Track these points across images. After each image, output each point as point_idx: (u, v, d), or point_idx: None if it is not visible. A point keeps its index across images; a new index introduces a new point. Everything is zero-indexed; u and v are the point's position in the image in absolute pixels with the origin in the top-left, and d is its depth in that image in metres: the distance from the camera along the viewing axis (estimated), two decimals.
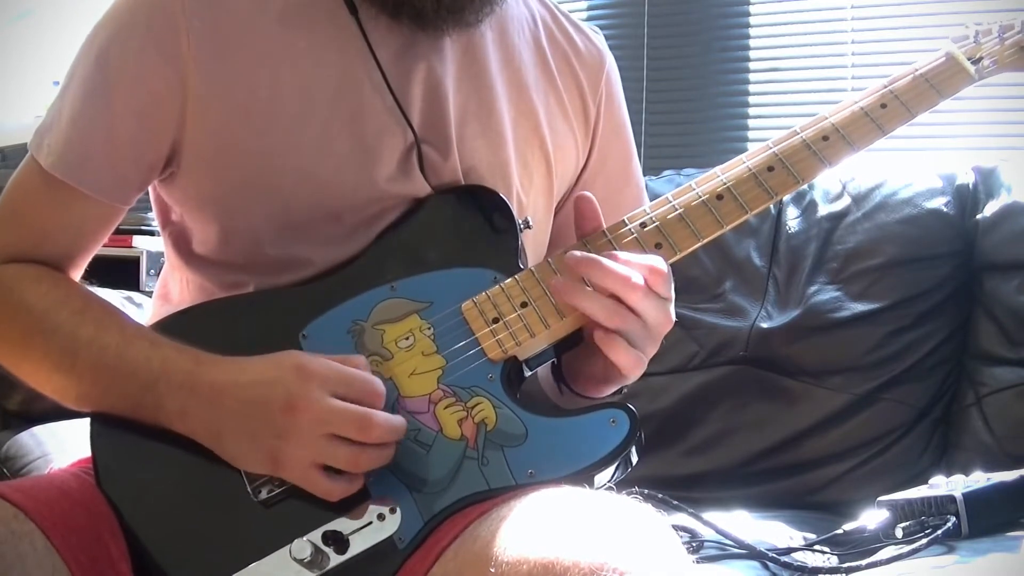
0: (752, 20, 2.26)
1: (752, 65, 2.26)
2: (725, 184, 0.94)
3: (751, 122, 2.25)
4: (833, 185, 1.78)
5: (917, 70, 1.00)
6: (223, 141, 0.92)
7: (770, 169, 0.95)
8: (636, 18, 2.35)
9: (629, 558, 0.67)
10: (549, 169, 1.05)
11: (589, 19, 2.43)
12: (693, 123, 2.31)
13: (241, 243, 0.95)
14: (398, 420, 0.82)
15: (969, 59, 1.00)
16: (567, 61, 1.08)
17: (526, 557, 0.68)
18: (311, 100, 0.93)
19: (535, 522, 0.73)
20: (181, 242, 1.00)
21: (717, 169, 0.96)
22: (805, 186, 1.78)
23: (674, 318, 0.89)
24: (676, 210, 0.93)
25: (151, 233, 2.10)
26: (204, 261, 0.98)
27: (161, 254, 1.85)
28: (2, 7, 2.59)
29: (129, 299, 1.84)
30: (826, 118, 0.97)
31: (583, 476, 0.82)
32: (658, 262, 0.87)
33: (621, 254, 0.87)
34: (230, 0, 0.93)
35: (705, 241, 0.93)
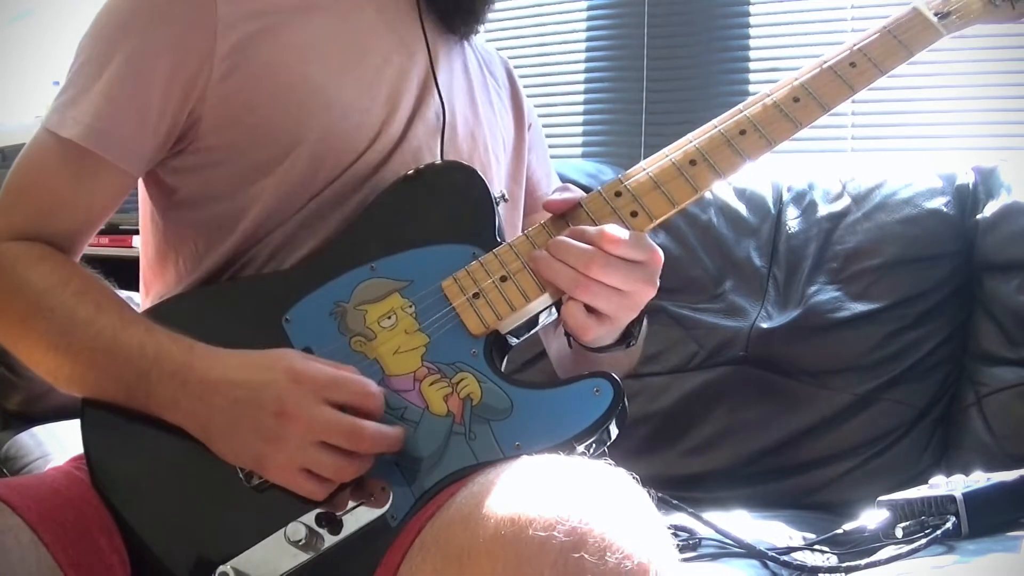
0: (752, 20, 2.26)
1: (752, 65, 2.26)
2: (698, 149, 0.95)
3: None
4: (833, 185, 1.78)
5: (885, 27, 1.00)
6: (247, 99, 0.95)
7: (742, 133, 0.96)
8: (636, 18, 2.35)
9: (591, 510, 0.68)
10: (505, 149, 1.15)
11: (589, 19, 2.43)
12: (693, 123, 2.29)
13: (240, 205, 0.97)
14: (391, 431, 0.83)
15: (936, 14, 1.00)
16: (491, 66, 1.20)
17: (494, 513, 0.69)
18: (342, 52, 0.99)
19: (506, 483, 0.74)
20: (187, 219, 1.01)
21: (689, 136, 0.97)
22: (804, 186, 1.79)
23: (657, 283, 0.91)
24: (649, 177, 0.94)
25: None
26: (209, 237, 0.99)
27: None
28: (2, 7, 2.60)
29: (129, 299, 1.84)
30: (796, 79, 0.98)
31: (568, 445, 0.82)
32: (613, 229, 0.88)
33: (584, 228, 0.89)
34: None
35: (680, 207, 0.94)
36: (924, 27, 1.00)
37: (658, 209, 0.93)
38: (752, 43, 2.25)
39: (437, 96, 1.03)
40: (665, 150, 0.96)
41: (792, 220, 1.77)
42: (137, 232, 2.09)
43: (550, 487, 0.71)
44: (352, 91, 0.98)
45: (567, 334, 0.98)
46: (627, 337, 0.97)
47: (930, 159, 1.84)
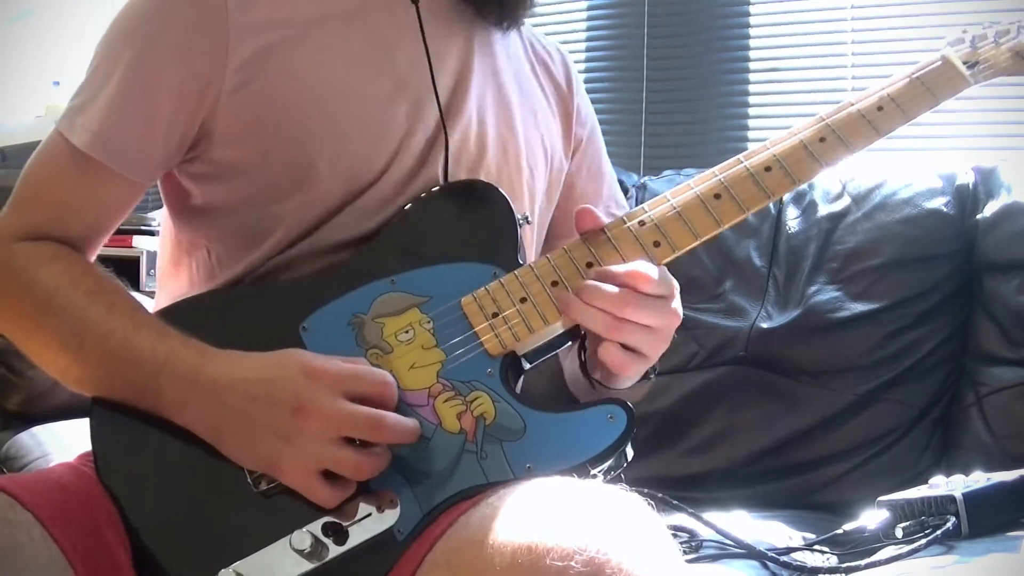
0: (752, 20, 2.26)
1: (752, 65, 2.26)
2: (723, 183, 0.95)
3: (751, 122, 2.25)
4: (833, 185, 1.78)
5: (913, 73, 1.01)
6: (260, 114, 0.94)
7: (767, 169, 0.95)
8: (636, 18, 2.35)
9: (609, 540, 0.68)
10: (547, 161, 1.10)
11: (589, 19, 2.44)
12: (693, 123, 2.31)
13: (266, 216, 0.96)
14: (409, 421, 0.83)
15: (965, 63, 1.01)
16: (547, 66, 1.15)
17: (510, 540, 0.69)
18: (347, 72, 0.96)
19: (521, 508, 0.74)
20: (200, 225, 1.01)
21: (715, 169, 0.97)
22: (804, 186, 1.79)
23: (681, 313, 0.91)
24: (674, 208, 0.94)
25: (151, 233, 2.10)
26: (222, 243, 0.99)
27: None
28: (2, 7, 2.60)
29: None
30: (823, 119, 0.98)
31: (580, 470, 0.82)
32: (644, 267, 0.88)
33: (610, 270, 0.89)
34: None
35: (703, 239, 0.94)
36: (953, 76, 1.01)
37: (681, 241, 0.93)
38: (752, 43, 2.25)
39: (439, 115, 0.99)
40: (690, 182, 0.96)
41: (792, 220, 1.77)
42: (138, 232, 2.10)
43: (567, 514, 0.71)
44: (367, 115, 0.96)
45: (582, 368, 0.98)
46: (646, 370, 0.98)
47: (930, 159, 1.84)
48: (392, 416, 0.81)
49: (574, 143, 1.16)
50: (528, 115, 1.08)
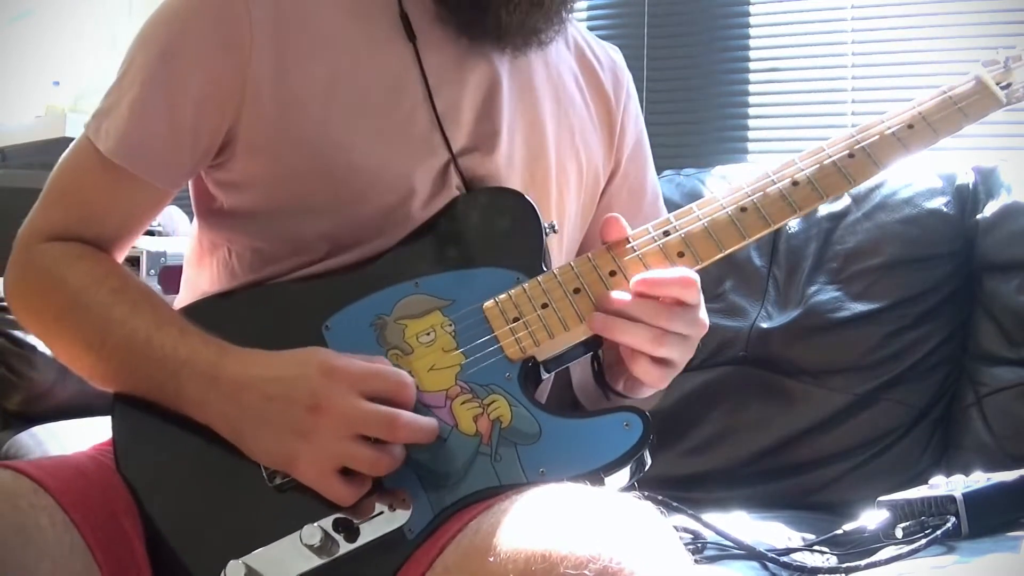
0: (752, 20, 2.26)
1: (752, 65, 2.26)
2: (750, 197, 0.95)
3: (751, 122, 2.25)
4: None
5: (945, 92, 1.01)
6: (279, 129, 0.94)
7: (795, 184, 0.95)
8: (636, 18, 2.35)
9: (623, 550, 0.68)
10: (580, 180, 1.09)
11: (589, 19, 2.44)
12: (693, 123, 2.31)
13: (282, 227, 0.97)
14: (426, 420, 0.83)
15: (998, 84, 1.01)
16: (595, 77, 1.13)
17: (523, 548, 0.69)
18: (366, 97, 0.96)
19: (534, 514, 0.74)
20: (222, 227, 1.01)
21: (742, 182, 0.96)
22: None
23: (707, 321, 0.92)
24: (700, 220, 0.94)
25: (151, 233, 2.10)
26: (242, 244, 0.99)
27: (162, 254, 1.85)
28: (2, 7, 2.60)
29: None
30: (852, 136, 0.98)
31: (593, 477, 0.82)
32: (687, 273, 0.89)
33: (648, 278, 0.89)
34: None
35: (726, 252, 0.94)
36: (986, 96, 1.01)
37: (706, 253, 0.93)
38: (752, 43, 2.26)
39: (441, 133, 0.97)
40: (716, 194, 0.96)
41: (792, 220, 1.77)
42: (145, 232, 2.10)
43: (580, 523, 0.71)
44: (361, 150, 0.95)
45: (597, 378, 0.98)
46: None
47: (930, 159, 1.83)
48: (407, 415, 0.81)
49: (613, 164, 1.14)
50: (564, 132, 1.07)
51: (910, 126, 0.98)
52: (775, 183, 0.95)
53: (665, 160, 2.20)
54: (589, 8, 2.44)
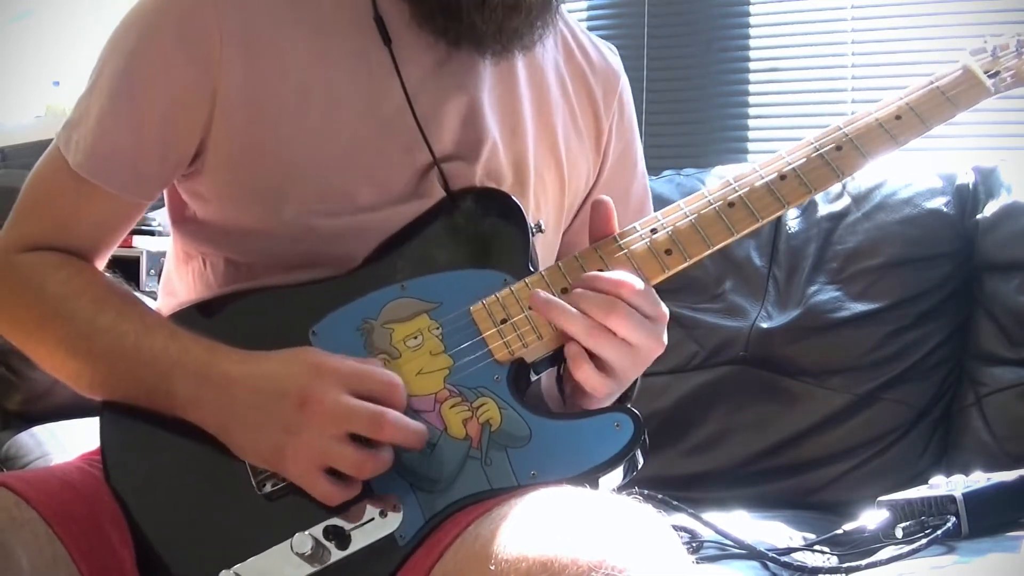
0: (752, 20, 2.26)
1: (752, 65, 2.26)
2: (737, 191, 0.94)
3: (751, 122, 2.25)
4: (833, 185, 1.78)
5: (933, 82, 1.00)
6: (248, 143, 0.93)
7: (782, 178, 0.95)
8: (636, 18, 2.35)
9: (627, 556, 0.67)
10: (562, 186, 1.07)
11: (589, 19, 2.44)
12: (693, 123, 2.31)
13: (254, 240, 0.96)
14: (413, 423, 0.82)
15: (986, 72, 1.00)
16: (584, 79, 1.10)
17: (525, 555, 0.69)
18: (338, 112, 0.94)
19: (534, 520, 0.73)
20: (195, 236, 1.00)
21: (730, 177, 0.96)
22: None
23: (665, 342, 0.89)
24: (687, 217, 0.93)
25: (151, 233, 2.10)
26: (216, 256, 0.98)
27: (161, 254, 1.85)
28: (2, 7, 2.60)
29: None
30: (840, 128, 0.97)
31: (585, 478, 0.82)
32: (630, 277, 0.87)
33: (598, 275, 0.88)
34: (264, 5, 0.93)
35: (715, 248, 0.92)
36: (974, 85, 1.00)
37: (694, 249, 0.92)
38: (752, 43, 2.26)
39: (423, 138, 0.95)
40: (703, 191, 0.95)
41: (792, 220, 1.77)
42: (138, 232, 2.10)
43: (582, 528, 0.71)
44: (333, 166, 0.94)
45: (560, 388, 0.96)
46: (623, 399, 0.96)
47: (930, 159, 1.84)
48: (393, 413, 0.81)
49: (596, 172, 1.12)
50: (544, 140, 1.04)
51: (898, 117, 0.97)
52: (762, 177, 0.94)
53: (665, 160, 2.20)
54: (589, 8, 2.44)
